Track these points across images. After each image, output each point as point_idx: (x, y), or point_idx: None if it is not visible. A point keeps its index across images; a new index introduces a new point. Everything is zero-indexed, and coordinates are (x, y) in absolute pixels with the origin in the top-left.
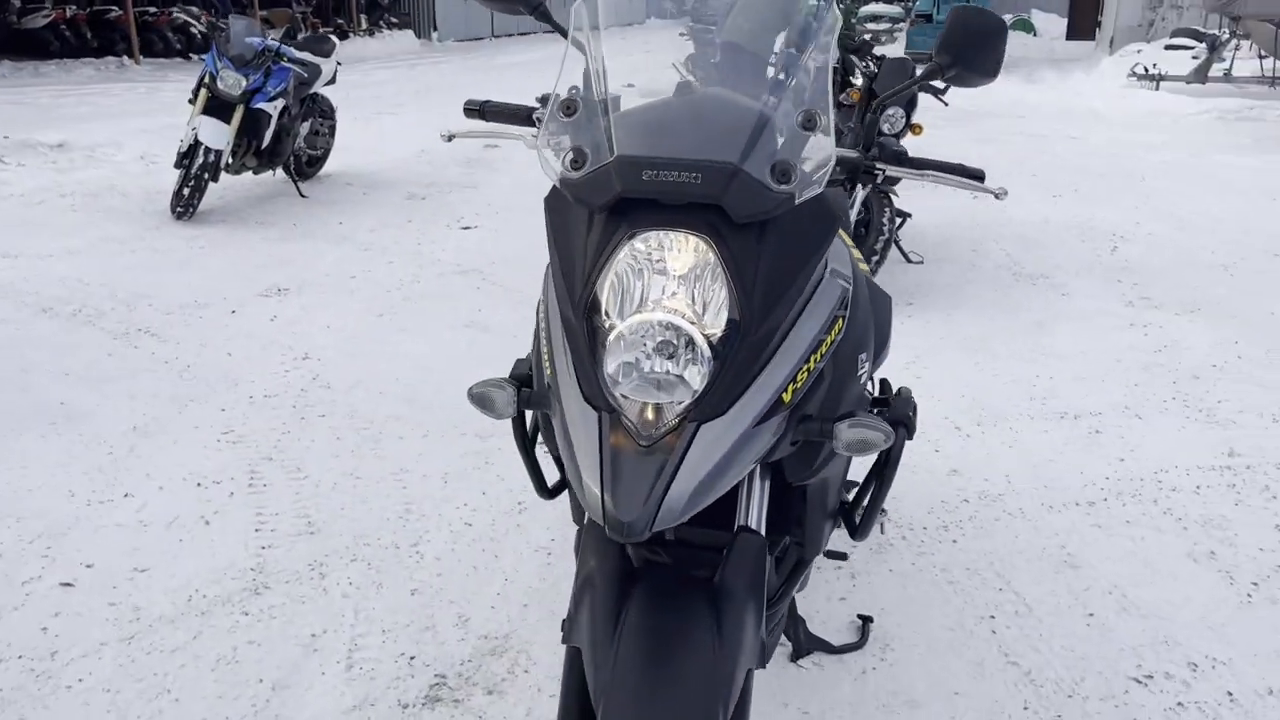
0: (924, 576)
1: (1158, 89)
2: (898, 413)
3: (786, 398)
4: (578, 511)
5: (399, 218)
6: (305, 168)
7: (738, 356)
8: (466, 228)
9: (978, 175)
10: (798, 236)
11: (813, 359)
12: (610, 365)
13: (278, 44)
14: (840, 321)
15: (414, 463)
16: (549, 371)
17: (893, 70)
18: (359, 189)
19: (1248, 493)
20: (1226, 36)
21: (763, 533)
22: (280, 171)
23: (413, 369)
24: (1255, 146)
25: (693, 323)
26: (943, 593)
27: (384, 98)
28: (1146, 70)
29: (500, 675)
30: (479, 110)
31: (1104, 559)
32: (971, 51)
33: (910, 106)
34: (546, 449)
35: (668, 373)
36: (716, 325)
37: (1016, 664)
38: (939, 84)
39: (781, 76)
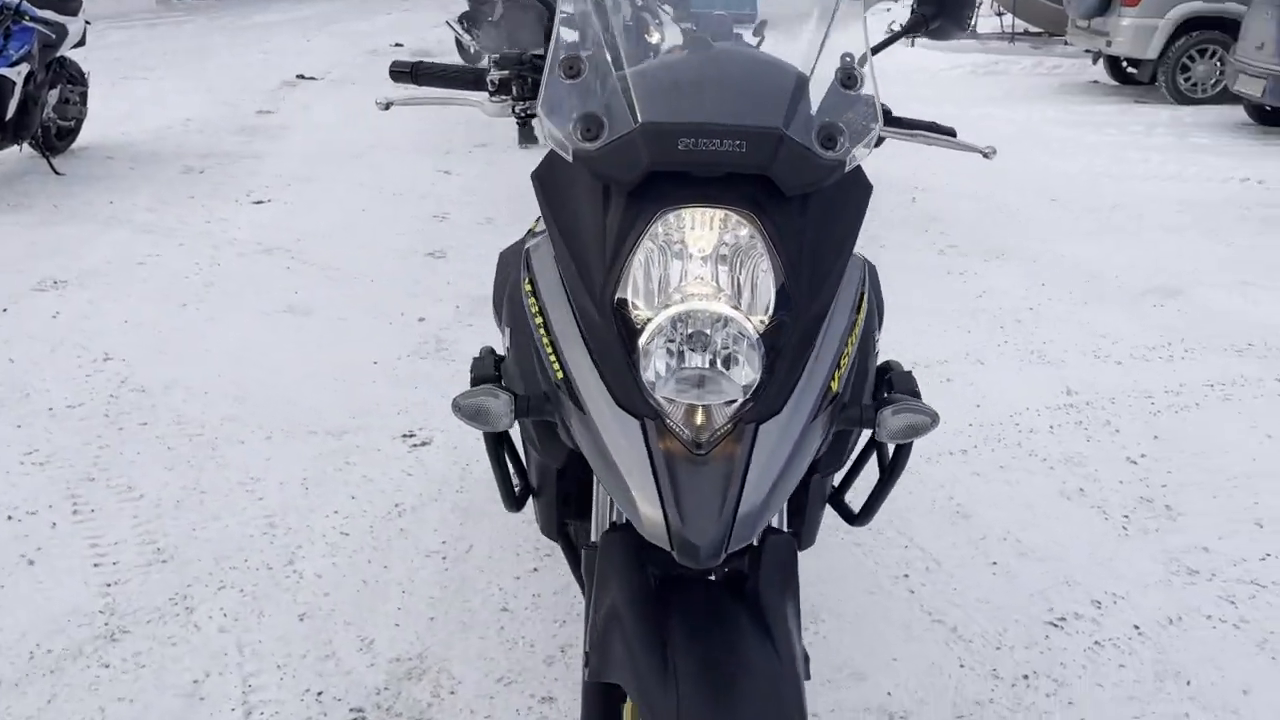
0: (832, 542)
1: (913, 45)
2: (910, 389)
3: (835, 386)
4: (551, 524)
5: (178, 194)
6: (56, 141)
7: (790, 346)
8: (260, 202)
9: (949, 132)
10: (839, 208)
11: (850, 342)
12: (650, 366)
13: (17, 0)
14: (864, 300)
15: (264, 469)
16: (557, 373)
17: None
18: (123, 163)
19: (1094, 429)
20: None
21: (785, 529)
22: (27, 146)
23: (235, 363)
24: (1006, 98)
25: (738, 310)
26: (854, 556)
27: (127, 60)
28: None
29: (425, 701)
30: (409, 73)
31: (990, 506)
32: (954, 2)
33: None
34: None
35: (715, 368)
36: (763, 312)
37: (941, 621)
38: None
39: (811, 29)
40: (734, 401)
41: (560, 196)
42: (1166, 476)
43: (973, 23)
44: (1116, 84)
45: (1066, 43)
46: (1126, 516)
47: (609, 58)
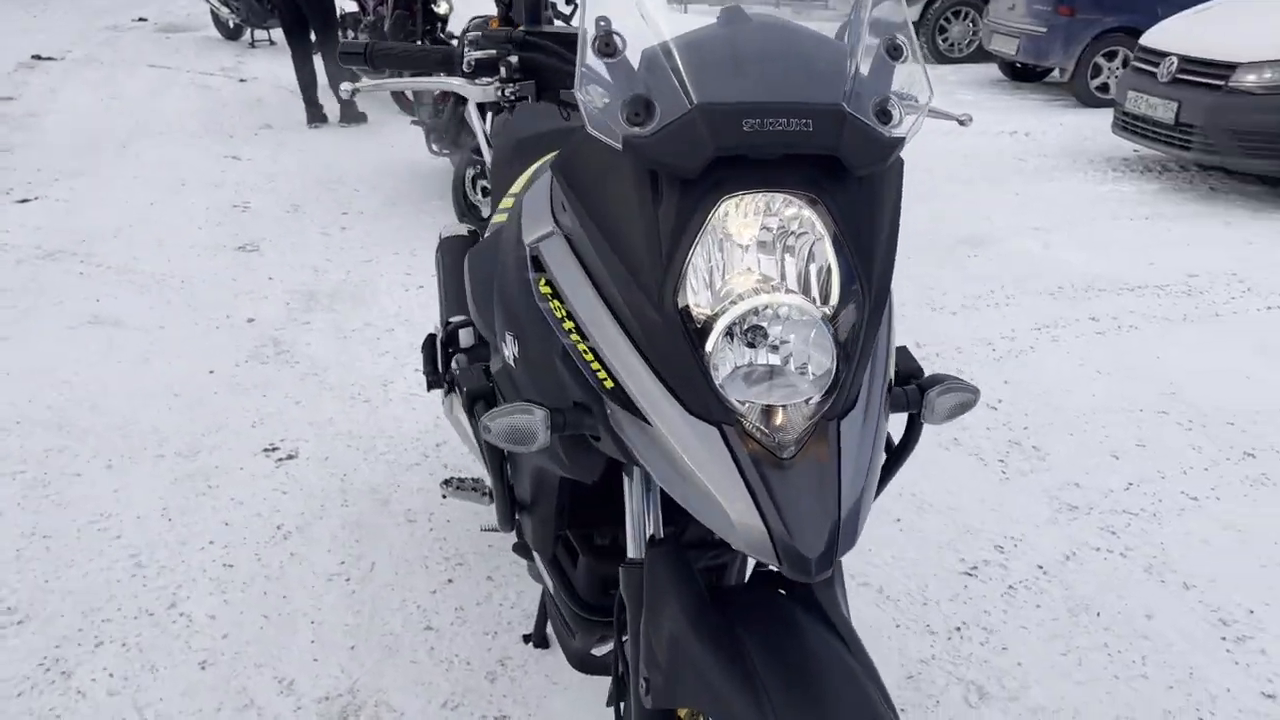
0: None
1: None
2: (912, 367)
3: (891, 373)
4: (547, 540)
5: None
6: None
7: (860, 334)
8: (25, 200)
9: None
10: (885, 185)
11: (891, 323)
12: (723, 367)
13: None
14: None
15: (113, 503)
16: (605, 382)
17: None
18: None
19: None
20: None
21: None
22: None
23: (44, 387)
24: None
25: (809, 300)
26: None
27: None
28: None
29: None
30: (361, 54)
31: None
32: None
33: None
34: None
35: (791, 365)
36: (829, 300)
37: (867, 584)
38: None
39: None
40: (812, 399)
41: (592, 189)
42: (1025, 419)
43: None
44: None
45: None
46: (1002, 461)
47: (648, 31)
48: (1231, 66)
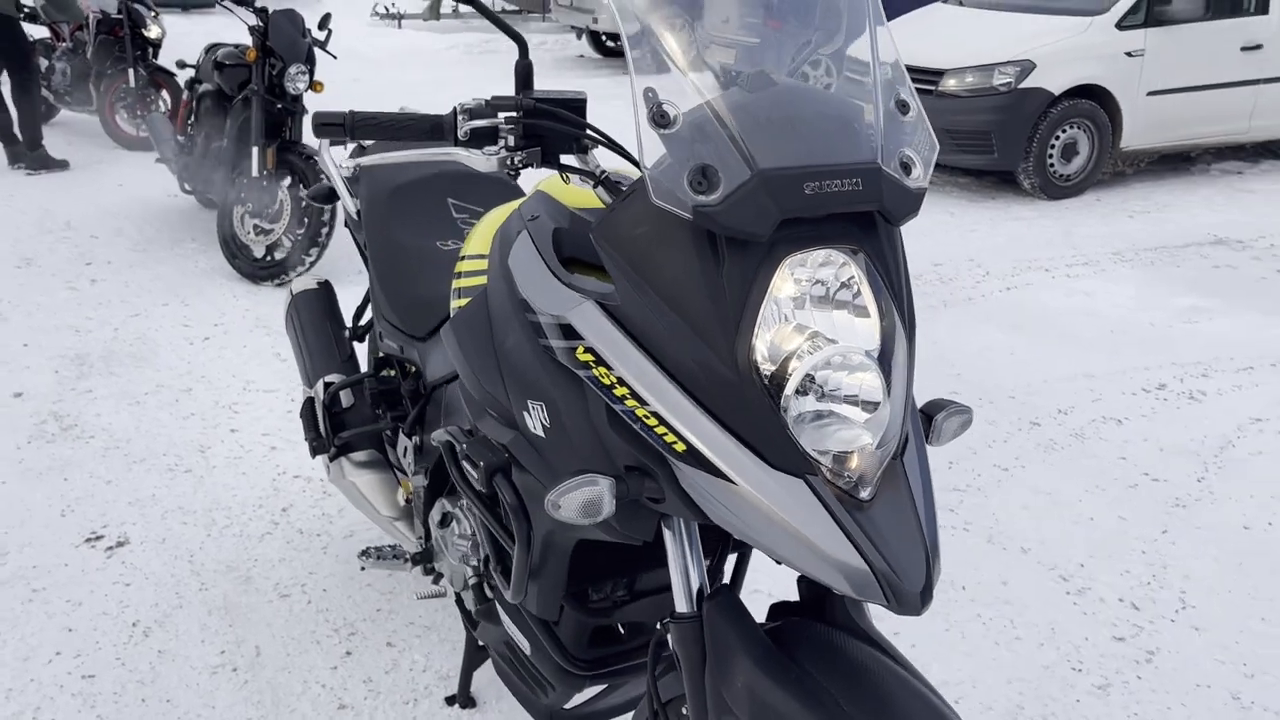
0: None
1: (400, 26)
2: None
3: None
4: (554, 603)
5: None
6: None
7: (904, 376)
8: None
9: None
10: (899, 230)
11: None
12: (801, 420)
13: None
14: None
15: None
16: (676, 445)
17: (286, 23)
18: None
19: None
20: None
21: None
22: None
23: None
24: (505, 77)
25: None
26: None
27: None
28: (387, 10)
29: None
30: (341, 126)
31: None
32: None
33: (311, 62)
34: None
35: (862, 411)
36: (874, 343)
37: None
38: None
39: (849, 53)
40: (871, 442)
41: (644, 255)
42: None
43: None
44: (601, 57)
45: (544, 19)
46: None
47: (698, 99)
48: (939, 73)
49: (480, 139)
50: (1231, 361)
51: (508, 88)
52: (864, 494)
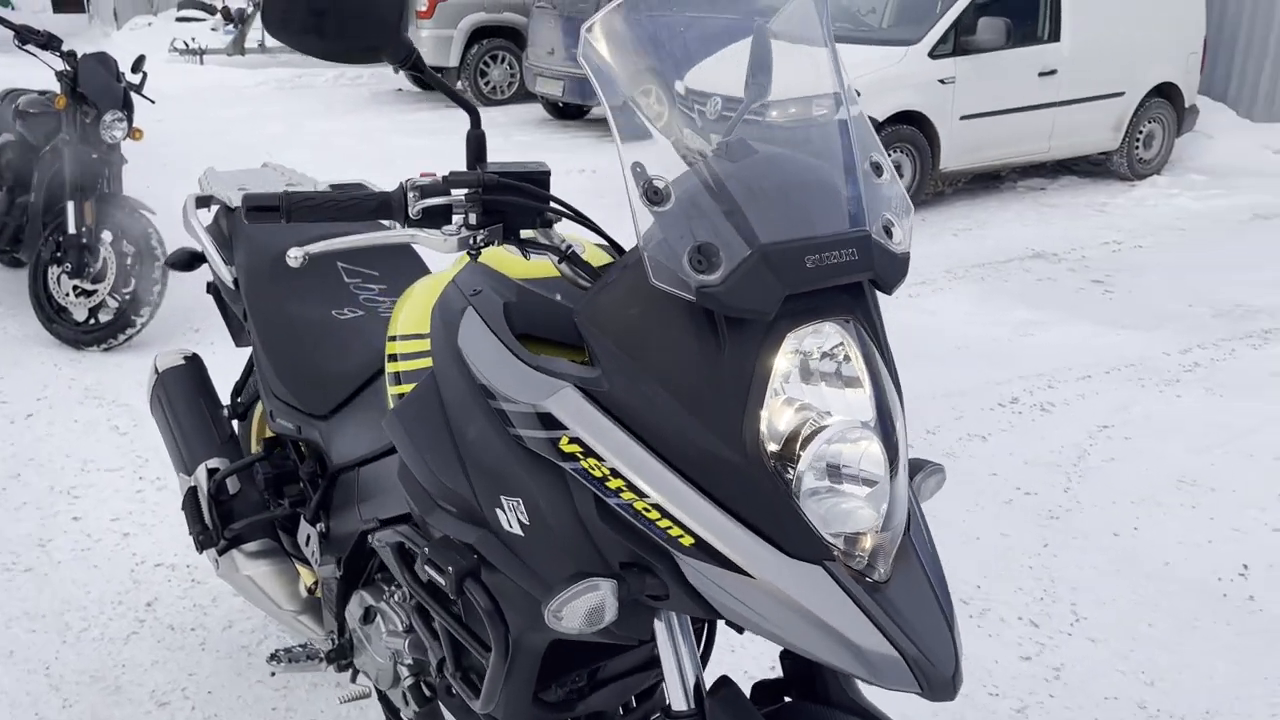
0: None
1: (202, 63)
2: None
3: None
4: (524, 708)
5: None
6: None
7: (901, 446)
8: None
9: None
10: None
11: None
12: (815, 505)
13: None
14: None
15: None
16: (683, 539)
17: (98, 66)
18: None
19: None
20: (251, 10)
21: None
22: None
23: None
24: (329, 111)
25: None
26: None
27: None
28: (187, 45)
29: None
30: (276, 209)
31: None
32: None
33: (128, 108)
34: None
35: (873, 490)
36: (869, 414)
37: None
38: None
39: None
40: (887, 518)
41: (636, 336)
42: None
43: (261, 37)
44: (420, 90)
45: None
46: None
47: (689, 171)
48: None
49: (434, 217)
50: (1070, 371)
51: (324, 120)
52: (879, 575)
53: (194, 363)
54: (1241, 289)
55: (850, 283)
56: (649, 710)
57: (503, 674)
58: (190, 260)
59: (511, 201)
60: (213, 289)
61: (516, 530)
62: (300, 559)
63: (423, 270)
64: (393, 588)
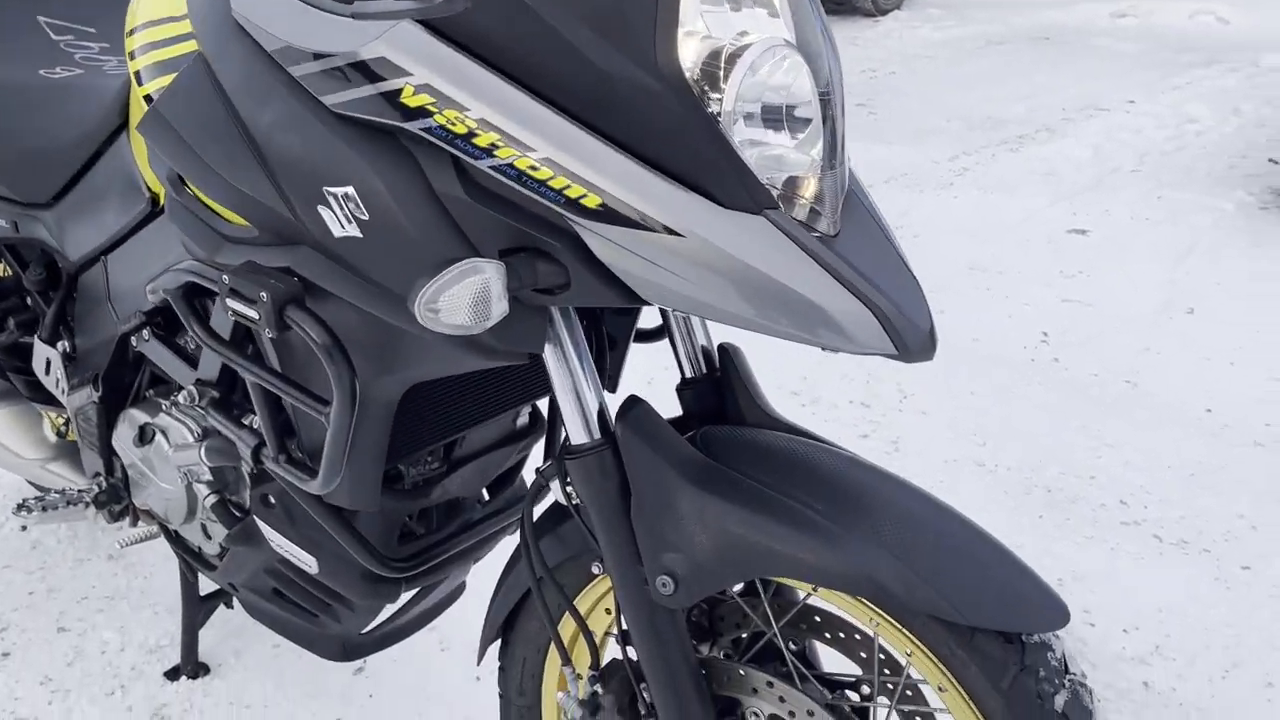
0: None
1: None
2: None
3: None
4: (371, 490)
5: None
6: None
7: (839, 73)
8: None
9: None
10: None
11: None
12: (747, 138)
13: None
14: None
15: None
16: (584, 199)
17: None
18: None
19: None
20: None
21: None
22: None
23: None
24: None
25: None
26: None
27: None
28: None
29: None
30: None
31: None
32: None
33: None
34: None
35: (815, 123)
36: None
37: None
38: None
39: None
40: (832, 160)
41: None
42: None
43: None
44: None
45: None
46: None
47: None
48: None
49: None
50: None
51: None
52: (827, 228)
53: None
54: (990, 104)
55: None
56: (512, 498)
57: (348, 432)
58: None
59: None
60: None
61: (350, 232)
62: (40, 398)
63: None
64: (174, 394)
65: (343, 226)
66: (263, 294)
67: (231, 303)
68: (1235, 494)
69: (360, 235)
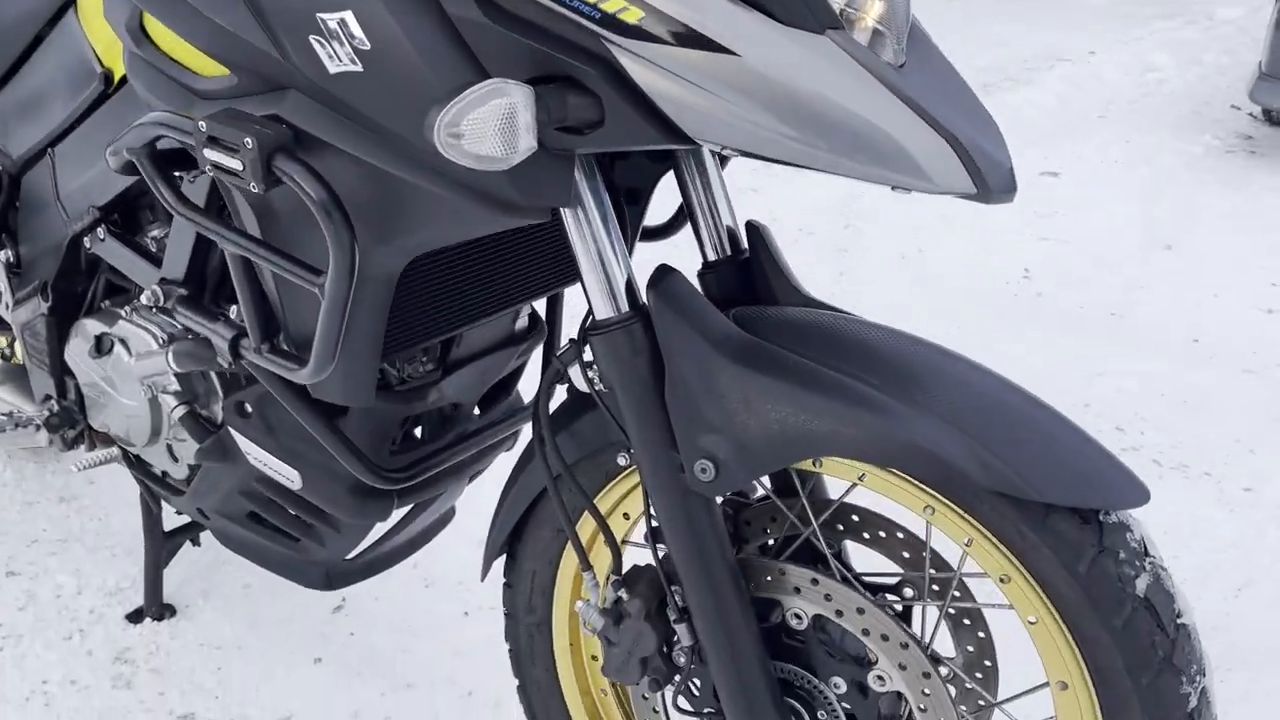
0: None
1: None
2: None
3: None
4: (367, 381)
5: None
6: None
7: None
8: None
9: None
10: None
11: None
12: None
13: None
14: None
15: None
16: (622, 12)
17: None
18: None
19: None
20: None
21: None
22: None
23: None
24: None
25: None
26: None
27: None
28: None
29: None
30: None
31: None
32: None
33: None
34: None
35: None
36: None
37: None
38: None
39: None
40: None
41: None
42: None
43: None
44: None
45: None
46: None
47: None
48: None
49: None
50: None
51: None
52: (891, 56)
53: None
54: (952, 57)
55: None
56: (509, 410)
57: (344, 306)
58: None
59: None
60: None
61: (349, 66)
62: None
63: None
64: (135, 298)
65: (339, 60)
66: (247, 140)
67: (210, 153)
68: (1230, 419)
69: (360, 69)
